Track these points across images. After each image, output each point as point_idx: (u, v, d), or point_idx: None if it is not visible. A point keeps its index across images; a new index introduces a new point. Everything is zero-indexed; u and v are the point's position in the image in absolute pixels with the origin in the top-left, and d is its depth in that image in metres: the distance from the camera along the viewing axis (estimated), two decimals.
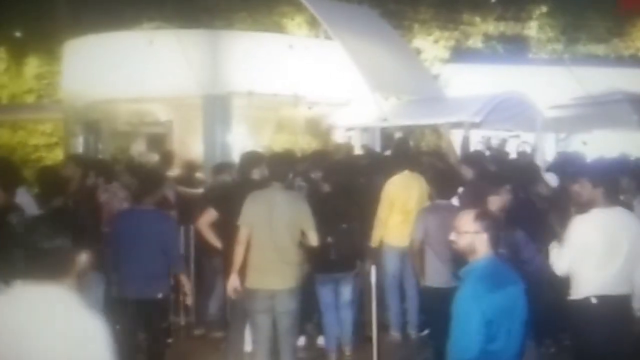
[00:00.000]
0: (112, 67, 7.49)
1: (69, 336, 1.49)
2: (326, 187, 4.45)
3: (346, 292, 4.35)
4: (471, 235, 2.29)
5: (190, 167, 6.33)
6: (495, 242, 2.32)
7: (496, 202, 3.25)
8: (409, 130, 8.31)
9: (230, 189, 4.21)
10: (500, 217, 3.06)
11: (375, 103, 7.49)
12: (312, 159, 5.16)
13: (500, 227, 2.83)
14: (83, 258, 1.57)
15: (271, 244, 3.53)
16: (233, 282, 3.58)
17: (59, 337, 1.48)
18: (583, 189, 3.05)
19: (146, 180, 3.79)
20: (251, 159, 4.14)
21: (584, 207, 3.04)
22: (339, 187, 4.37)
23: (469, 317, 2.14)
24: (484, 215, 2.36)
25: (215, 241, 3.95)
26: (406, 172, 4.77)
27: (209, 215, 3.95)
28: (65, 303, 1.52)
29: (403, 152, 5.49)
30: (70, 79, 8.53)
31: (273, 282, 3.53)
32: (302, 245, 3.68)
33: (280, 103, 7.61)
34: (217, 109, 7.00)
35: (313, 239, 3.62)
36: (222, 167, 4.80)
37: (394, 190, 4.70)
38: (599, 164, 4.54)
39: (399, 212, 4.67)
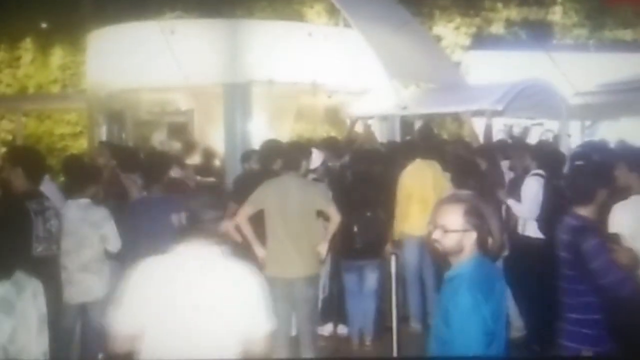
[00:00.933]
0: (135, 57, 7.51)
1: (227, 279, 1.91)
2: (349, 175, 4.39)
3: (371, 280, 4.32)
4: (459, 234, 1.96)
5: (209, 156, 6.33)
6: (484, 241, 2.00)
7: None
8: (429, 119, 8.18)
9: (250, 179, 4.16)
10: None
11: (394, 91, 7.37)
12: (330, 147, 5.09)
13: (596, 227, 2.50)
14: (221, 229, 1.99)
15: (287, 232, 3.51)
16: (259, 251, 3.54)
17: (219, 281, 1.90)
18: (619, 173, 2.94)
19: (150, 167, 3.77)
20: (272, 148, 4.10)
21: (621, 192, 2.92)
22: (363, 175, 4.32)
23: (472, 328, 1.87)
24: (473, 211, 1.99)
25: (235, 234, 3.90)
26: (418, 161, 4.68)
27: (228, 208, 3.91)
28: (219, 256, 1.95)
29: (426, 139, 5.39)
30: (94, 69, 8.59)
31: (291, 270, 3.50)
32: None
33: (300, 91, 7.54)
34: (237, 97, 6.97)
35: (334, 214, 3.57)
36: (249, 155, 4.80)
37: (409, 181, 4.64)
38: (634, 149, 4.39)
39: (417, 201, 4.61)
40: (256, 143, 6.44)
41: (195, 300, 1.86)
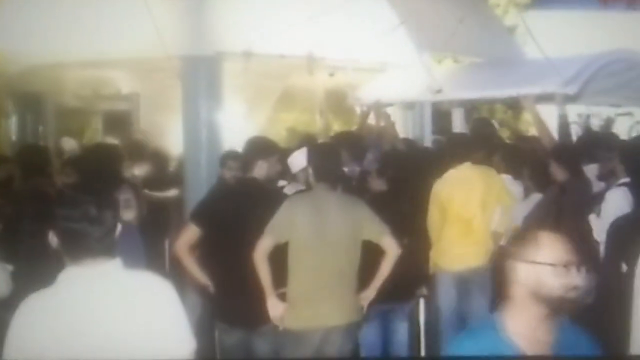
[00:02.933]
0: (58, 20, 7.52)
1: (132, 297, 2.08)
2: (379, 185, 4.50)
3: (400, 331, 4.44)
4: None
5: (158, 159, 6.34)
6: None
7: None
8: (472, 106, 8.18)
9: (223, 193, 4.29)
10: None
11: (424, 68, 7.38)
12: (348, 146, 5.21)
13: None
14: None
15: (327, 265, 3.66)
16: (276, 308, 3.65)
17: (123, 301, 2.07)
18: None
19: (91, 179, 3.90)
20: (259, 149, 4.18)
21: None
22: (399, 187, 4.42)
23: None
24: None
25: (196, 271, 3.96)
26: (467, 165, 4.71)
27: (190, 233, 3.94)
28: (118, 272, 2.13)
29: (485, 138, 5.43)
30: (1, 37, 8.60)
31: (328, 316, 3.65)
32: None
33: (290, 68, 7.53)
34: (201, 76, 6.95)
35: (392, 247, 3.73)
36: (225, 159, 4.93)
37: (445, 191, 4.69)
38: None
39: (455, 220, 4.67)
40: (228, 140, 6.47)
41: (99, 330, 2.02)
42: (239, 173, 4.57)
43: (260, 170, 4.05)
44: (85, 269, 2.09)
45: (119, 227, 2.16)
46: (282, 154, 4.51)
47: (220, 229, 3.91)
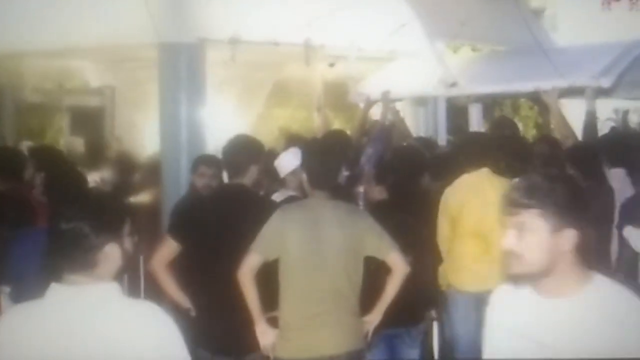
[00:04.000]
0: (18, 4, 7.52)
1: (127, 324, 2.10)
2: (378, 193, 4.53)
3: (410, 357, 4.48)
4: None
5: (129, 162, 6.35)
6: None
7: None
8: (492, 102, 8.18)
9: (202, 202, 4.27)
10: None
11: (437, 58, 7.39)
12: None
13: None
14: (114, 250, 2.16)
15: (324, 285, 3.68)
16: (265, 335, 3.68)
17: (117, 328, 2.09)
18: None
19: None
20: (253, 151, 4.18)
21: None
22: (403, 194, 4.41)
23: None
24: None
25: (175, 291, 3.97)
26: (484, 172, 4.73)
27: (167, 249, 3.97)
28: (115, 295, 2.15)
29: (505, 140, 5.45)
30: None
31: (326, 344, 3.66)
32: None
33: (284, 57, 7.55)
34: (182, 67, 6.95)
35: (400, 264, 3.75)
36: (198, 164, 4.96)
37: (456, 200, 4.69)
38: None
39: (468, 235, 4.69)
40: (212, 140, 6.46)
41: (86, 356, 2.06)
42: (213, 181, 4.60)
43: (252, 175, 4.06)
44: (77, 287, 2.13)
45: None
46: (268, 155, 4.55)
47: (203, 244, 3.91)
